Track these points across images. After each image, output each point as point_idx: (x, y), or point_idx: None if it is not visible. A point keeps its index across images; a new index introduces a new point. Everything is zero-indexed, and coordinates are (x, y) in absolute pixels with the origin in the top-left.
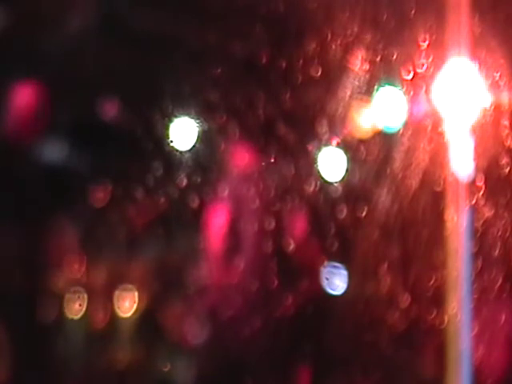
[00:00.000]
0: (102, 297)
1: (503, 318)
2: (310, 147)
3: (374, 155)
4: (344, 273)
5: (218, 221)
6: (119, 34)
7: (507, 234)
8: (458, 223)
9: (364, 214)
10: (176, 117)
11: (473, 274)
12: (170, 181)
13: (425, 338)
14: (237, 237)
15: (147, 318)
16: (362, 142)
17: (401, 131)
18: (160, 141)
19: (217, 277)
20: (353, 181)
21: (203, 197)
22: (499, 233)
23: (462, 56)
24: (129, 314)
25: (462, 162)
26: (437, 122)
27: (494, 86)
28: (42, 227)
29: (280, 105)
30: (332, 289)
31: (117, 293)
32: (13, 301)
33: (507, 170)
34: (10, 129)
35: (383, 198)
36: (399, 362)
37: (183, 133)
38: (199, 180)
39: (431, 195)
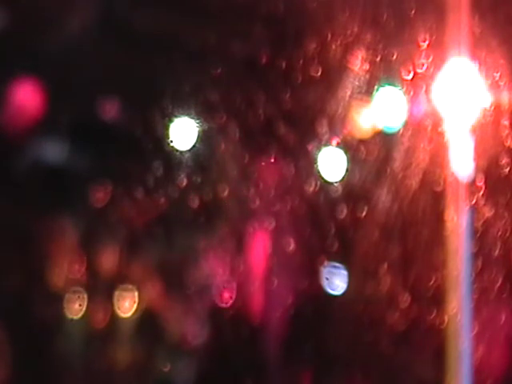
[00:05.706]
0: (102, 297)
1: (503, 317)
2: (309, 147)
3: (374, 155)
4: (344, 273)
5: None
6: (119, 33)
7: (507, 234)
8: (458, 223)
9: (364, 214)
10: (176, 117)
11: (473, 274)
12: (170, 181)
13: (425, 338)
14: (236, 236)
15: (147, 317)
16: (362, 142)
17: (401, 131)
18: (160, 141)
19: (217, 277)
20: (353, 181)
21: (204, 197)
22: (499, 233)
23: (462, 56)
24: (129, 314)
25: (461, 162)
26: (437, 121)
27: (494, 86)
28: (42, 227)
29: (280, 105)
30: (332, 289)
31: (117, 293)
32: (13, 301)
33: (507, 170)
34: (8, 127)
35: (383, 198)
36: (399, 362)
37: (183, 133)
38: (199, 180)
39: (431, 195)
